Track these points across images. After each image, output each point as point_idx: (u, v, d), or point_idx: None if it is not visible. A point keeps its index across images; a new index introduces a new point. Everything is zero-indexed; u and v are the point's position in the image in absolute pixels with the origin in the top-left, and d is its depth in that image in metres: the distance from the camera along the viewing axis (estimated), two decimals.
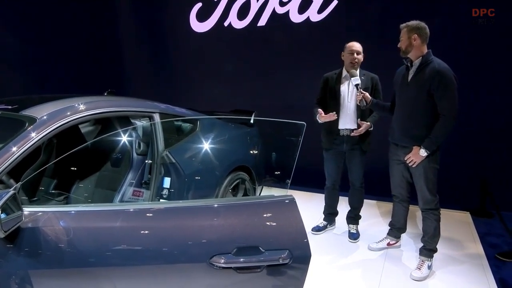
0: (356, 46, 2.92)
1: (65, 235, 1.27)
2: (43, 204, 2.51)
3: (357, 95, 2.74)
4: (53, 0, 4.77)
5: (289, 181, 1.70)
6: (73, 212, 1.35)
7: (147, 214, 1.37)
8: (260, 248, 1.28)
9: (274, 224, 1.34)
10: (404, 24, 2.55)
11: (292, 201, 1.35)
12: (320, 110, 2.94)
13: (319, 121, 2.96)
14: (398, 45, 2.55)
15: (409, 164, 2.56)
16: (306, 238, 1.30)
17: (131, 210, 1.36)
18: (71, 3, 4.99)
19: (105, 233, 1.31)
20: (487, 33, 3.60)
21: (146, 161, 2.43)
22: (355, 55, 2.89)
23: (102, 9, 5.56)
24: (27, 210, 1.30)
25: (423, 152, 2.46)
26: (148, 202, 2.12)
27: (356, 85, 2.73)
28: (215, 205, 1.39)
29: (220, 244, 1.28)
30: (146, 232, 1.31)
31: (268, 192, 3.37)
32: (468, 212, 3.88)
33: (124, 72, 5.97)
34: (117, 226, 1.32)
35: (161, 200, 2.21)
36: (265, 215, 1.36)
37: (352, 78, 2.76)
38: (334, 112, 2.90)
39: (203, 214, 1.36)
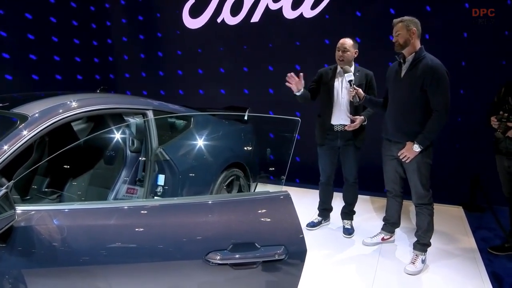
0: (342, 42, 2.92)
1: (59, 233, 1.25)
2: (36, 203, 2.49)
3: (350, 91, 2.75)
4: None
5: (284, 177, 1.70)
6: (66, 210, 1.34)
7: (142, 212, 1.36)
8: (256, 244, 1.27)
9: (270, 220, 1.34)
10: (398, 19, 2.53)
11: (287, 197, 1.34)
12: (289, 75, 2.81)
13: (297, 94, 2.90)
14: (394, 40, 2.53)
15: (403, 160, 2.58)
16: (302, 234, 1.30)
17: (126, 207, 1.34)
18: (61, 1, 4.93)
19: (99, 231, 1.29)
20: (487, 33, 3.61)
21: (140, 159, 2.41)
22: (341, 52, 2.89)
23: (93, 5, 5.50)
24: (19, 209, 1.28)
25: (416, 148, 2.48)
26: (143, 200, 2.11)
27: (350, 81, 2.73)
28: (211, 202, 1.38)
29: (216, 241, 1.28)
30: (142, 229, 1.30)
31: (263, 188, 3.38)
32: (461, 207, 3.92)
33: (116, 69, 5.92)
34: (112, 224, 1.30)
35: (156, 198, 2.20)
36: (260, 211, 1.36)
37: (345, 74, 2.77)
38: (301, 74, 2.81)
39: (198, 210, 1.35)
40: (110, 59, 5.86)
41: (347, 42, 2.91)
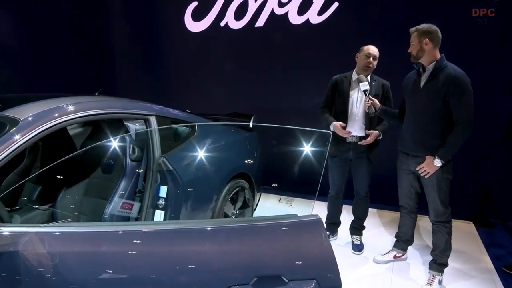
0: (374, 50, 2.77)
1: (50, 260, 1.06)
2: (25, 219, 2.28)
3: (366, 101, 2.59)
4: None
5: (315, 198, 1.53)
6: (61, 233, 1.14)
7: (149, 237, 1.15)
8: (283, 278, 1.08)
9: (299, 249, 1.14)
10: (414, 28, 2.40)
11: (319, 222, 1.16)
12: (337, 123, 2.79)
13: (331, 129, 2.81)
14: (409, 50, 2.41)
15: (422, 175, 2.42)
16: (336, 266, 1.12)
17: (130, 231, 1.15)
18: (63, 1, 4.77)
19: (99, 259, 1.10)
20: (487, 33, 3.52)
21: (141, 168, 2.23)
22: (371, 59, 2.74)
23: (95, 6, 5.35)
24: (7, 230, 1.09)
25: (437, 163, 2.32)
26: (151, 222, 1.91)
27: (365, 91, 2.58)
28: (230, 226, 1.19)
29: (237, 273, 1.08)
30: (148, 258, 1.10)
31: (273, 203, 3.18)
32: (472, 222, 3.77)
33: (116, 71, 5.75)
34: (115, 251, 1.10)
35: (165, 221, 2.00)
36: (288, 239, 1.16)
37: (360, 84, 2.61)
38: (351, 132, 2.79)
39: (216, 237, 1.16)
40: (110, 62, 5.68)
41: (377, 50, 2.78)
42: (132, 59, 5.59)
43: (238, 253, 1.11)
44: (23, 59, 4.41)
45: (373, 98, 2.59)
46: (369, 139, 2.75)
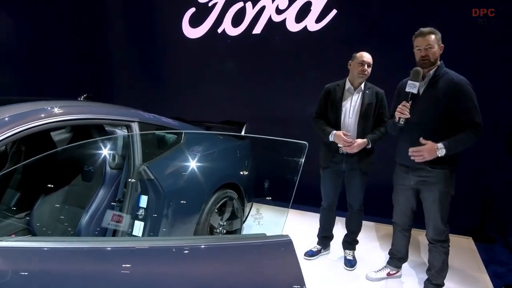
0: (367, 57, 2.65)
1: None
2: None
3: (404, 106, 2.23)
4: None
5: (288, 210, 1.45)
6: (9, 248, 1.04)
7: (95, 255, 1.02)
8: None
9: (266, 272, 1.03)
10: (428, 29, 2.21)
11: (289, 244, 1.04)
12: (340, 132, 2.62)
13: (330, 139, 2.67)
14: (423, 54, 2.21)
15: (416, 159, 2.20)
16: None
17: (83, 248, 1.04)
18: (60, 3, 4.75)
19: (50, 279, 0.98)
20: (487, 33, 3.44)
21: (121, 177, 2.14)
22: (365, 66, 2.62)
23: (92, 11, 5.32)
24: None
25: (440, 150, 2.12)
26: (100, 238, 1.79)
27: (411, 94, 2.23)
28: (189, 246, 1.07)
29: None
30: (101, 278, 1.00)
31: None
32: (471, 238, 3.63)
33: (114, 78, 5.71)
34: (63, 271, 0.99)
35: (116, 237, 1.90)
36: (253, 262, 1.05)
37: (409, 82, 2.22)
38: (354, 138, 2.64)
39: (171, 257, 1.03)
40: (108, 68, 5.64)
41: (370, 56, 2.67)
42: (130, 65, 5.55)
43: (196, 276, 0.99)
44: (23, 59, 4.39)
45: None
46: (352, 146, 2.60)
